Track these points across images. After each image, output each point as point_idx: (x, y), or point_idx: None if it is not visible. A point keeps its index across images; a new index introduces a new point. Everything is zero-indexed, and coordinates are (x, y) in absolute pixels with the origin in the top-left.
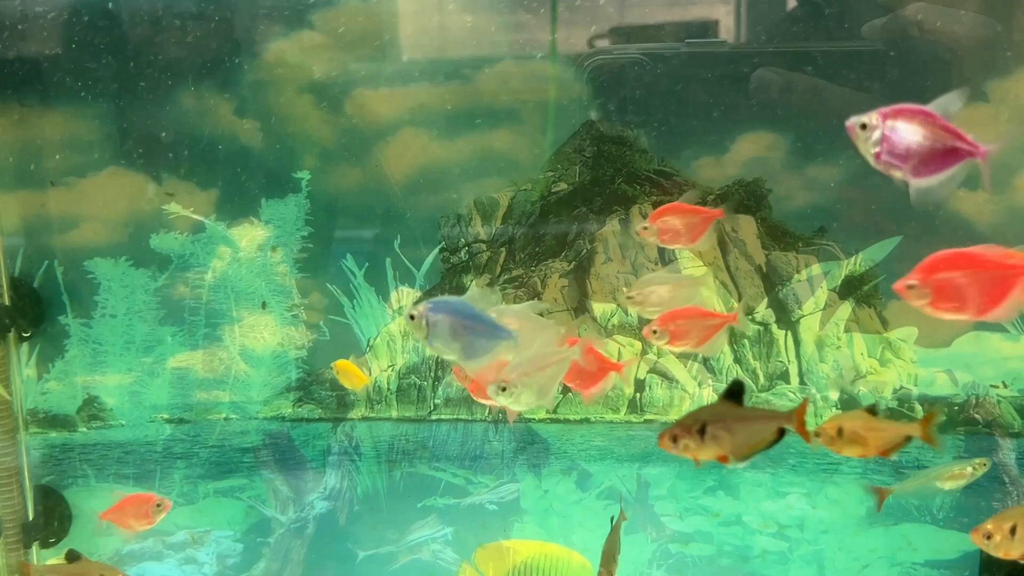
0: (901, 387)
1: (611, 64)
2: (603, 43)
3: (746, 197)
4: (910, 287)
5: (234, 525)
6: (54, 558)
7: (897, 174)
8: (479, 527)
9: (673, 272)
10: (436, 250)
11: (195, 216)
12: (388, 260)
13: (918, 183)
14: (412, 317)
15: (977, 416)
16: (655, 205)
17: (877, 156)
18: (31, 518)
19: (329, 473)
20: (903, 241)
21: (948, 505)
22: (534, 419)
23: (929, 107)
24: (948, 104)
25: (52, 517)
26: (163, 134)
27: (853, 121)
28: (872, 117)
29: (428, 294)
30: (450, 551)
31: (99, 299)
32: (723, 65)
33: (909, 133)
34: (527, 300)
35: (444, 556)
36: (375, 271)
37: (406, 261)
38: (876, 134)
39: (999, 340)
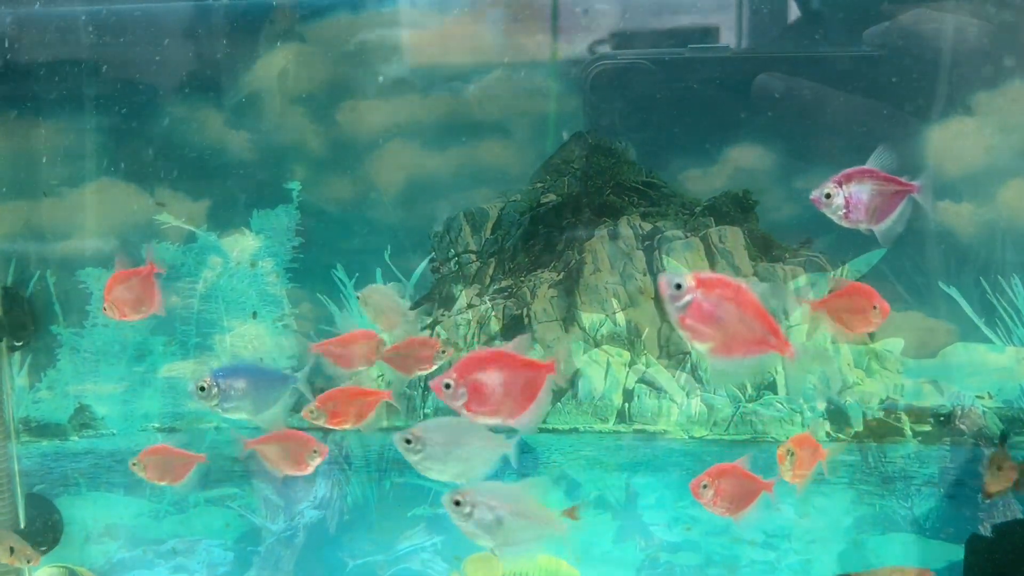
0: (887, 397)
1: (615, 69)
2: (604, 48)
3: (733, 208)
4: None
5: (224, 534)
6: (46, 566)
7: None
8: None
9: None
10: (426, 260)
11: (186, 226)
12: (378, 270)
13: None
14: (202, 388)
15: (962, 427)
16: (643, 216)
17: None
18: (22, 525)
19: (319, 482)
20: (888, 253)
21: (934, 516)
22: None
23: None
24: (880, 158)
25: (44, 524)
26: (155, 145)
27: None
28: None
29: (416, 304)
30: (439, 560)
31: (91, 308)
32: (726, 71)
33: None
34: (515, 311)
35: (433, 565)
36: (365, 281)
37: (396, 271)
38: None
39: (985, 351)
